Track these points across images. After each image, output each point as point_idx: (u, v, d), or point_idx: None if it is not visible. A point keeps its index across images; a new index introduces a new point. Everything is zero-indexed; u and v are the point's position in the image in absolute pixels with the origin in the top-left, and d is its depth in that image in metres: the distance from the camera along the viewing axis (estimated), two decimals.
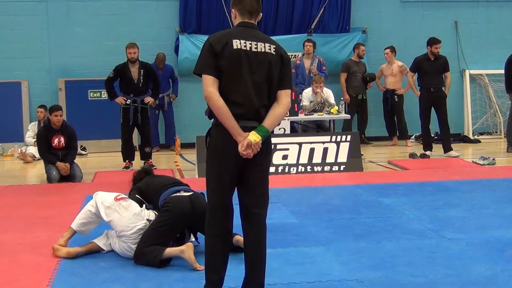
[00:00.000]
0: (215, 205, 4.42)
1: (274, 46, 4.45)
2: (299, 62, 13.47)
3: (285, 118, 11.15)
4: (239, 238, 5.47)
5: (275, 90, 4.43)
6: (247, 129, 4.30)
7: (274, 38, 14.30)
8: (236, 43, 4.32)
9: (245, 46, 4.34)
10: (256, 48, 4.37)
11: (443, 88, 12.28)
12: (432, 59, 12.17)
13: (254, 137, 4.27)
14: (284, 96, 4.46)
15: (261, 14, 4.57)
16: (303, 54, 13.56)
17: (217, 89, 4.29)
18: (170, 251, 5.52)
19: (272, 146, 4.73)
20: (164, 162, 12.18)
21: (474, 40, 15.21)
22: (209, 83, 4.28)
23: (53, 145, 10.08)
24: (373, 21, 14.88)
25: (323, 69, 13.38)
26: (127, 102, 10.92)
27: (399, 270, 5.39)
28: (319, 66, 13.38)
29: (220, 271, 4.48)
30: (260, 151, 4.34)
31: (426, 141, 12.39)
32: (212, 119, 4.44)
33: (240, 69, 4.31)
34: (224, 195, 4.40)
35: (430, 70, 12.13)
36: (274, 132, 10.87)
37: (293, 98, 11.34)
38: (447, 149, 12.25)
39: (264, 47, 4.40)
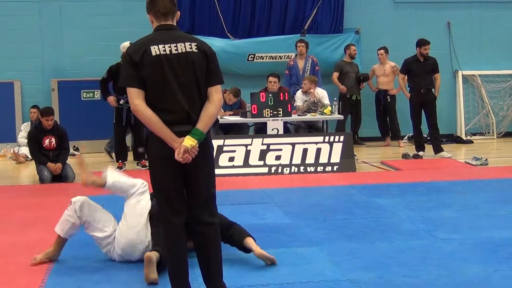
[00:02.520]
0: (166, 211, 4.35)
1: (196, 44, 4.31)
2: (292, 63, 13.47)
3: (278, 118, 11.16)
4: (250, 241, 5.52)
5: (205, 88, 4.33)
6: (181, 134, 4.20)
7: (267, 38, 14.34)
8: (155, 49, 4.21)
9: (164, 50, 4.22)
10: (177, 49, 4.25)
11: (433, 90, 12.30)
12: (422, 60, 12.19)
13: (189, 141, 4.17)
14: (215, 93, 4.35)
15: (178, 13, 4.45)
16: (296, 55, 13.56)
17: (144, 100, 4.21)
18: None
19: (214, 147, 4.60)
20: None
21: (467, 41, 15.24)
22: (134, 96, 4.20)
23: (44, 145, 10.06)
24: (366, 21, 14.89)
25: (316, 69, 13.38)
26: (120, 103, 10.90)
27: (392, 271, 5.40)
28: (312, 66, 13.37)
29: (186, 271, 4.46)
30: (200, 154, 4.25)
31: (418, 142, 12.42)
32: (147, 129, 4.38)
33: (163, 75, 4.21)
34: (172, 201, 4.34)
35: (420, 71, 12.16)
36: (267, 133, 11.02)
37: (287, 98, 11.37)
38: (437, 150, 12.28)
39: (185, 46, 4.27)
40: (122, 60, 4.24)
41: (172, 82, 4.22)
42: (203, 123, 4.28)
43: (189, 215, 4.41)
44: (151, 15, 4.40)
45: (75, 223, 5.67)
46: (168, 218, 4.37)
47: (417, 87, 12.21)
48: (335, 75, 13.78)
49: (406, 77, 12.57)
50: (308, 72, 13.23)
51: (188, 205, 4.41)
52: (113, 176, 5.82)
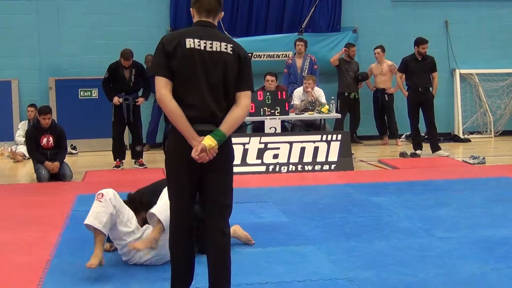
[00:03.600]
0: (176, 210, 4.30)
1: (231, 45, 4.22)
2: (290, 61, 13.46)
3: (276, 117, 11.16)
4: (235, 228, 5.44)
5: (233, 91, 4.21)
6: (202, 133, 4.10)
7: (264, 37, 14.35)
8: (189, 42, 4.13)
9: (199, 45, 4.14)
10: (211, 47, 4.16)
11: (430, 88, 12.31)
12: (420, 59, 12.20)
13: (209, 141, 4.06)
14: (244, 98, 4.23)
15: (222, 13, 4.36)
16: (295, 54, 13.55)
17: (171, 91, 4.12)
18: None
19: (234, 150, 4.37)
20: (160, 161, 12.11)
21: (464, 39, 15.26)
22: (162, 85, 4.11)
23: (42, 144, 10.04)
24: (363, 20, 14.90)
25: (314, 68, 13.37)
26: (119, 101, 10.89)
27: (390, 269, 5.40)
28: (311, 64, 13.37)
29: (189, 275, 4.40)
30: (219, 157, 4.14)
31: (416, 141, 12.42)
32: (170, 123, 4.27)
33: (193, 69, 4.12)
34: (183, 201, 4.26)
35: (418, 70, 12.16)
36: (265, 131, 11.02)
37: (284, 97, 11.37)
38: (435, 148, 12.28)
39: (220, 46, 4.18)
40: (156, 48, 4.12)
41: (201, 78, 4.13)
42: (227, 126, 4.17)
43: (202, 220, 4.36)
44: (194, 9, 4.30)
45: (112, 213, 5.36)
46: (177, 219, 4.30)
47: (414, 86, 12.22)
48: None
49: (403, 75, 12.57)
50: (307, 71, 13.23)
51: (203, 209, 4.33)
52: (158, 209, 5.34)
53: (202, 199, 4.31)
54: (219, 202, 4.26)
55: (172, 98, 4.10)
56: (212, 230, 4.27)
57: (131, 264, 5.57)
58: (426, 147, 12.38)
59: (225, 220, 4.31)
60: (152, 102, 13.14)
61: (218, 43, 4.18)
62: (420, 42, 12.21)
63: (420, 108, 12.27)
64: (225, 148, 4.21)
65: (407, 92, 12.48)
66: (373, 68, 14.19)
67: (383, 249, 6.00)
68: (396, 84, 13.48)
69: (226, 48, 4.19)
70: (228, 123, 4.18)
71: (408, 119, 12.47)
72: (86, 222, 5.37)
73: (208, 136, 4.09)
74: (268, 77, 11.99)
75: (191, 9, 4.35)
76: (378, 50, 13.98)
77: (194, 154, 4.05)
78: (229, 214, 4.34)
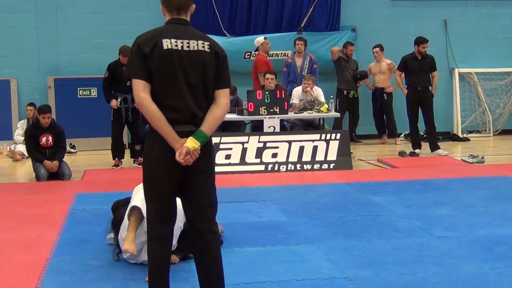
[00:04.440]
0: (156, 216, 4.17)
1: (208, 43, 4.14)
2: (290, 60, 13.44)
3: (275, 116, 11.15)
4: None
5: (212, 90, 4.16)
6: (184, 134, 4.02)
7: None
8: (167, 43, 4.03)
9: (176, 45, 4.04)
10: (189, 46, 4.07)
11: (430, 87, 12.30)
12: (419, 58, 12.19)
13: (192, 143, 3.99)
14: (222, 97, 4.18)
15: (193, 6, 4.24)
16: (294, 53, 13.53)
17: (149, 93, 4.02)
18: None
19: (214, 148, 4.37)
20: None
21: (463, 38, 15.25)
22: (140, 88, 4.02)
23: (41, 143, 10.03)
24: (362, 19, 14.88)
25: (314, 68, 13.37)
26: (118, 100, 10.87)
27: (389, 268, 5.41)
28: (311, 64, 13.36)
29: (167, 284, 4.27)
30: (201, 157, 4.07)
31: (415, 139, 12.42)
32: (147, 126, 4.19)
33: (172, 70, 4.03)
34: (163, 206, 4.16)
35: (417, 69, 12.16)
36: (264, 130, 11.01)
37: (283, 96, 11.36)
38: (433, 147, 12.28)
39: (197, 45, 4.09)
40: (131, 49, 4.02)
41: (180, 79, 4.04)
42: (208, 126, 4.10)
43: (188, 221, 4.30)
44: (164, 7, 4.20)
45: None
46: (155, 224, 4.19)
47: (414, 85, 12.21)
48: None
49: (402, 74, 12.58)
50: (306, 70, 13.23)
51: (187, 211, 4.26)
52: (134, 202, 5.38)
53: (186, 201, 4.24)
54: (205, 203, 4.21)
55: (151, 100, 4.02)
56: (201, 230, 4.21)
57: (128, 261, 5.57)
58: (425, 146, 12.38)
59: (212, 219, 4.26)
60: None
61: (195, 42, 4.11)
62: (420, 41, 12.20)
63: (420, 107, 12.26)
64: (206, 148, 4.16)
65: (406, 90, 12.47)
66: (372, 67, 14.19)
67: (382, 248, 6.00)
68: (396, 83, 13.47)
69: (203, 47, 4.12)
70: (209, 124, 4.12)
71: (407, 118, 12.47)
72: (136, 204, 5.30)
73: (191, 137, 4.02)
74: (268, 76, 11.97)
75: (160, 6, 4.24)
76: (377, 49, 13.98)
77: (178, 157, 3.98)
78: (215, 213, 4.30)
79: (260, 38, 12.93)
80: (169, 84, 4.05)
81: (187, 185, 4.16)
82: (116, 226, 5.75)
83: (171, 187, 4.14)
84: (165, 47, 4.03)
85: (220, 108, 4.17)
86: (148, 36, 4.12)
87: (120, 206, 5.97)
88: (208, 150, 4.18)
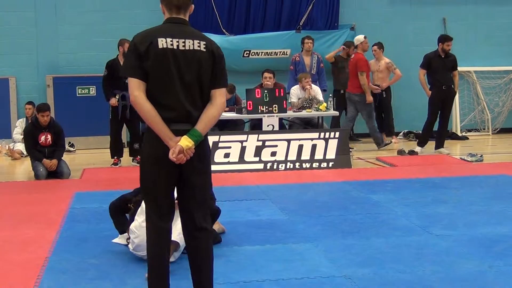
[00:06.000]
0: (154, 211, 4.20)
1: (205, 43, 4.15)
2: (298, 59, 13.35)
3: (273, 114, 11.16)
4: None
5: (208, 89, 4.18)
6: (179, 133, 4.05)
7: (262, 34, 14.27)
8: (162, 42, 4.06)
9: (171, 44, 4.07)
10: (184, 46, 4.09)
11: (452, 86, 12.15)
12: (443, 56, 12.07)
13: (186, 142, 4.02)
14: (218, 96, 4.19)
15: (192, 6, 4.25)
16: (301, 51, 13.47)
17: (144, 92, 4.05)
18: None
19: (212, 146, 4.39)
20: None
21: (462, 37, 15.21)
22: (135, 87, 4.04)
23: (40, 142, 10.04)
24: (361, 18, 14.88)
25: (321, 66, 13.37)
26: (116, 97, 10.87)
27: (388, 267, 5.41)
28: (318, 62, 13.35)
29: (166, 276, 4.28)
30: (196, 157, 4.10)
31: (424, 138, 12.27)
32: (145, 124, 4.20)
33: (167, 70, 4.05)
34: (160, 202, 4.18)
35: (441, 67, 11.96)
36: (263, 129, 11.01)
37: (282, 95, 11.36)
38: (440, 145, 12.24)
39: (193, 44, 4.11)
40: (128, 48, 4.04)
41: (175, 78, 4.07)
42: (203, 125, 4.12)
43: (182, 218, 4.31)
44: (163, 6, 4.21)
45: None
46: (153, 221, 4.21)
47: (438, 84, 11.97)
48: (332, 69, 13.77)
49: (426, 72, 12.25)
50: (315, 68, 13.23)
51: (182, 208, 4.28)
52: None
53: (181, 199, 4.27)
54: (199, 201, 4.23)
55: (146, 99, 4.04)
56: (194, 228, 4.24)
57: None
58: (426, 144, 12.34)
59: (207, 217, 4.30)
60: None
61: (191, 41, 4.12)
62: (445, 39, 12.08)
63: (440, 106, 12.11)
64: (202, 147, 4.18)
65: (430, 92, 12.16)
66: (372, 65, 14.17)
67: (380, 247, 6.00)
68: (392, 78, 13.40)
69: (199, 46, 4.13)
70: (204, 122, 4.14)
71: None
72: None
73: (185, 136, 4.05)
74: (266, 74, 11.97)
75: (160, 5, 4.26)
76: (375, 47, 13.95)
77: (171, 155, 4.01)
78: (209, 211, 4.34)
79: (360, 37, 12.96)
80: (164, 83, 4.07)
81: (183, 183, 4.19)
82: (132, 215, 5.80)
83: (167, 184, 4.17)
84: (160, 46, 4.05)
85: (216, 107, 4.19)
86: (144, 35, 4.14)
87: (128, 199, 5.99)
88: (203, 149, 4.19)
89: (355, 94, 12.74)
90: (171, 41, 4.08)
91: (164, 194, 4.19)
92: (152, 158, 4.13)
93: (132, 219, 5.75)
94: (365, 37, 12.93)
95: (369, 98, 12.61)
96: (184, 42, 4.10)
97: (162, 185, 4.16)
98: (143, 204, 5.38)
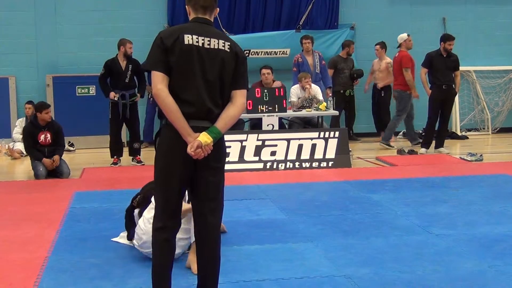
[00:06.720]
0: (163, 208, 4.21)
1: (229, 44, 4.22)
2: (301, 60, 13.28)
3: (273, 114, 11.15)
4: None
5: (229, 89, 4.22)
6: (198, 129, 4.08)
7: (262, 34, 14.26)
8: (188, 38, 4.12)
9: (197, 41, 4.13)
10: (209, 44, 4.15)
11: (453, 86, 12.14)
12: (445, 55, 12.06)
13: (205, 138, 4.05)
14: (239, 97, 4.25)
15: (217, 9, 4.34)
16: (302, 51, 13.46)
17: (167, 86, 4.09)
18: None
19: (226, 147, 4.40)
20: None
21: (462, 36, 15.21)
22: (159, 80, 4.08)
23: (40, 141, 10.04)
24: (361, 17, 14.90)
25: (322, 64, 13.36)
26: (115, 96, 10.86)
27: (387, 266, 5.41)
28: (320, 60, 13.34)
29: (169, 277, 4.29)
30: (213, 154, 4.12)
31: (428, 138, 12.28)
32: (163, 120, 4.23)
33: (191, 66, 4.11)
34: (172, 198, 4.19)
35: (442, 66, 11.96)
36: (263, 128, 11.01)
37: (282, 94, 11.35)
38: (440, 145, 12.24)
39: (218, 43, 4.18)
40: (153, 42, 4.18)
41: (198, 75, 4.11)
42: (223, 123, 4.16)
43: (194, 216, 4.32)
44: (190, 7, 4.28)
45: None
46: (161, 216, 4.23)
47: (439, 83, 11.98)
48: (330, 72, 13.73)
49: (427, 71, 12.24)
50: (318, 67, 13.23)
51: (194, 205, 4.30)
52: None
53: (193, 196, 4.28)
54: (212, 199, 4.25)
55: (168, 93, 4.08)
56: (205, 226, 4.26)
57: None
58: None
59: (218, 216, 4.31)
60: (146, 99, 13.15)
61: (216, 41, 4.17)
62: (446, 38, 12.07)
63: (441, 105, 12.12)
64: (219, 145, 4.21)
65: (430, 90, 12.19)
66: (374, 64, 14.15)
67: (380, 246, 6.00)
68: (391, 79, 13.42)
69: (223, 46, 4.19)
70: (224, 121, 4.17)
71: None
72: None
73: (204, 132, 4.07)
74: (264, 70, 11.95)
75: (186, 6, 4.33)
76: (377, 46, 13.95)
77: (189, 150, 4.03)
78: (221, 209, 4.34)
79: (403, 35, 13.01)
80: (186, 79, 4.12)
81: (196, 181, 4.20)
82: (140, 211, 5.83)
83: (181, 180, 4.17)
84: (186, 42, 4.11)
85: (237, 108, 4.24)
86: (171, 30, 4.23)
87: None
88: (219, 148, 4.23)
89: (396, 91, 12.98)
90: (197, 38, 4.14)
91: (175, 189, 4.19)
92: (170, 152, 4.16)
93: (140, 216, 5.76)
94: (408, 35, 12.95)
95: (415, 93, 12.67)
96: (209, 40, 4.17)
97: (175, 179, 4.16)
98: (153, 200, 5.42)
